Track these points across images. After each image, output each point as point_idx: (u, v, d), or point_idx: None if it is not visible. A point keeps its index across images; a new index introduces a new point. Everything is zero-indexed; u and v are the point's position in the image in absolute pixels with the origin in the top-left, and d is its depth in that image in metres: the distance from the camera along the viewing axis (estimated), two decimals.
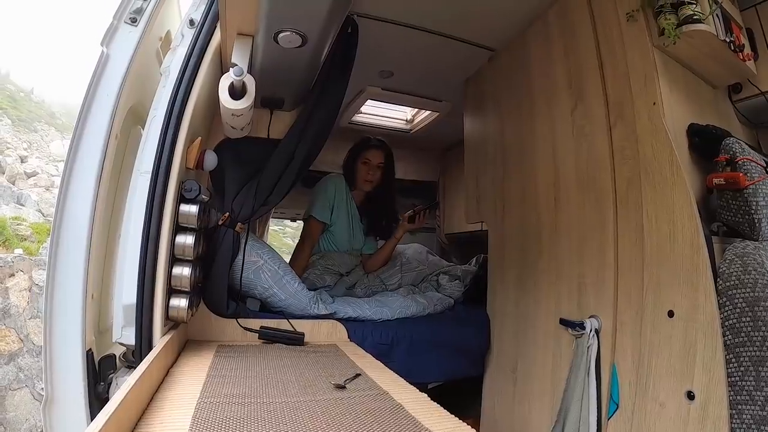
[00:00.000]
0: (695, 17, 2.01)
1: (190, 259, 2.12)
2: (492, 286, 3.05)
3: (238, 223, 2.50)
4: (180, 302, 2.11)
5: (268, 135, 2.55)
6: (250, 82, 2.03)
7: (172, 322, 2.15)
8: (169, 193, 1.98)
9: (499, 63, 3.06)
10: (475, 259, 3.70)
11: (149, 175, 1.95)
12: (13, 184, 26.26)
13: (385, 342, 2.65)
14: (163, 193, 1.96)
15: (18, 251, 12.45)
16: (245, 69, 1.96)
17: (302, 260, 3.21)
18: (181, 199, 2.08)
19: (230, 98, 2.01)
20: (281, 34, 1.88)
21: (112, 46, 2.07)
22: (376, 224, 3.56)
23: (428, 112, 4.30)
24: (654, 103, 1.98)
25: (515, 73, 2.87)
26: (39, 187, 27.10)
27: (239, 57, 1.98)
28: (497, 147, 3.04)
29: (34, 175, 28.59)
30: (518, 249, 2.79)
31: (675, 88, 2.06)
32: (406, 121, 4.66)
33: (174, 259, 2.10)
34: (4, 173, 27.93)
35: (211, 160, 2.34)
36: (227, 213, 2.48)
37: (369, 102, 3.97)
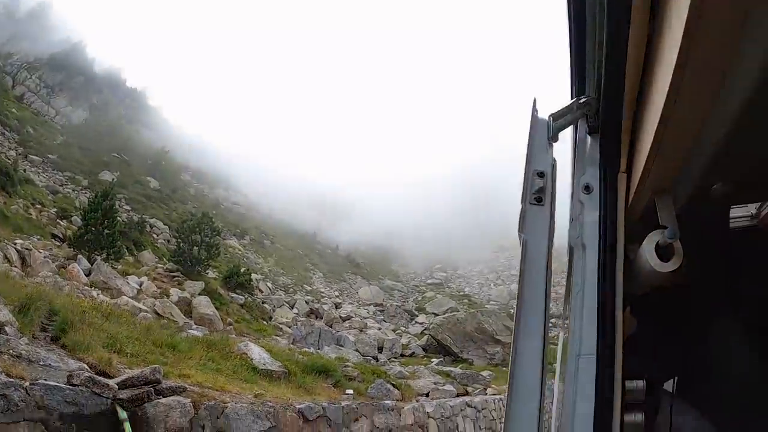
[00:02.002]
0: None
1: None
2: None
3: (658, 383, 2.33)
4: None
5: (672, 281, 2.38)
6: (676, 240, 1.91)
7: None
8: (617, 371, 1.89)
9: None
10: None
11: (593, 357, 1.88)
12: (331, 327, 29.26)
13: None
14: (612, 373, 1.88)
15: (349, 391, 13.52)
16: (676, 228, 1.85)
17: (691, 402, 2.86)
18: (625, 375, 1.99)
19: (660, 261, 1.90)
20: (716, 186, 1.77)
21: (528, 231, 2.10)
22: None
23: None
24: None
25: None
26: (354, 328, 29.85)
27: (666, 217, 1.90)
28: None
29: (348, 319, 31.66)
30: None
31: None
32: (751, 216, 4.13)
33: None
34: (322, 318, 31.32)
35: (632, 324, 2.23)
36: (648, 375, 2.32)
37: None
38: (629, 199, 2.05)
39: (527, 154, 2.19)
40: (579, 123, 2.30)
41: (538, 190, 2.13)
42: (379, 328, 31.43)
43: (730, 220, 4.21)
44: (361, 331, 29.71)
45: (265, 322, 28.38)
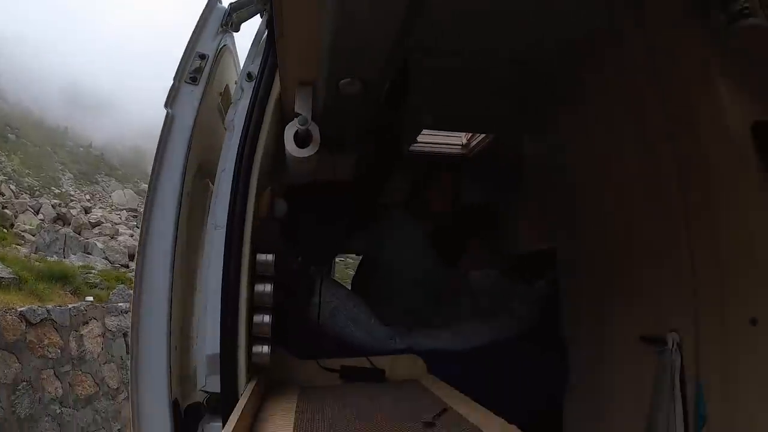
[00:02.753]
0: (745, 11, 1.94)
1: (269, 306, 2.17)
2: (566, 306, 3.00)
3: (313, 266, 2.55)
4: (262, 348, 2.15)
5: (334, 177, 2.59)
6: (315, 130, 2.07)
7: (254, 368, 2.19)
8: (245, 244, 2.03)
9: (554, 81, 3.02)
10: (545, 279, 3.64)
11: (224, 229, 2.01)
12: (79, 234, 27.20)
13: (464, 373, 2.62)
14: (239, 245, 2.02)
15: (89, 298, 12.87)
16: (309, 117, 2.00)
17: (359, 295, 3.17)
18: (256, 248, 2.13)
19: (296, 147, 2.06)
20: (342, 81, 1.92)
21: (176, 107, 2.15)
22: (448, 253, 3.52)
23: (483, 135, 4.27)
24: (715, 105, 1.93)
25: (572, 90, 2.82)
26: (104, 235, 27.95)
27: (302, 106, 2.03)
28: (560, 164, 3.00)
29: (99, 225, 29.51)
30: (590, 267, 2.74)
31: (735, 87, 1.98)
32: (462, 145, 4.62)
33: (254, 307, 2.15)
34: (69, 225, 28.98)
35: (281, 207, 2.40)
36: (302, 257, 2.53)
37: (424, 131, 3.98)
38: (286, 88, 2.16)
39: (192, 35, 2.22)
40: (265, 16, 2.37)
41: (195, 70, 2.19)
42: (131, 235, 29.80)
43: (444, 146, 4.66)
44: (111, 237, 27.98)
45: (5, 230, 25.58)
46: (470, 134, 4.48)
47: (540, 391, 2.85)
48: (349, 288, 3.27)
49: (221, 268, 2.00)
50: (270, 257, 2.14)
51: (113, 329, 11.49)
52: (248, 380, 2.06)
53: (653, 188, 2.27)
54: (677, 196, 2.13)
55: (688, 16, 2.05)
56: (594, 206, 2.67)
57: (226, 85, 2.53)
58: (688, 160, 2.07)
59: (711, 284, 1.98)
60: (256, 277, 2.15)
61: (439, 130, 4.15)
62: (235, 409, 1.67)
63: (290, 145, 2.06)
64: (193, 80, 2.17)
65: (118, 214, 32.79)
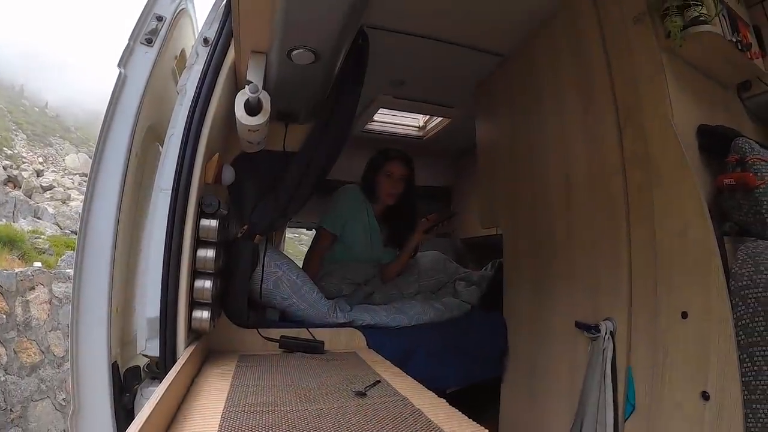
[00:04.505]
0: (701, 19, 2.02)
1: (211, 272, 2.17)
2: (508, 290, 3.07)
3: (257, 235, 2.55)
4: (202, 314, 2.16)
5: (284, 148, 2.59)
6: (265, 99, 2.08)
7: (195, 334, 2.20)
8: (189, 208, 2.03)
9: (509, 68, 3.08)
10: (491, 264, 3.71)
11: (169, 192, 2.00)
12: (30, 198, 26.40)
13: (403, 348, 2.67)
14: (184, 209, 2.02)
15: (37, 264, 12.55)
16: (260, 86, 2.01)
17: (310, 269, 3.19)
18: (201, 213, 2.13)
19: (246, 114, 2.06)
20: (294, 52, 1.92)
21: (129, 67, 2.13)
22: (396, 235, 3.54)
23: (440, 119, 4.33)
24: (663, 106, 2.00)
25: (525, 78, 2.89)
26: (56, 200, 27.26)
27: (254, 74, 2.03)
28: (509, 151, 3.06)
29: (51, 189, 28.76)
30: (533, 253, 2.81)
31: (684, 90, 2.07)
32: (419, 127, 4.70)
33: (195, 272, 2.15)
34: (20, 188, 28.11)
35: (229, 174, 2.39)
36: (246, 225, 2.53)
37: (381, 110, 4.01)
38: (240, 56, 2.16)
39: None
40: None
41: (151, 32, 2.17)
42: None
43: (401, 127, 4.69)
44: (63, 202, 27.31)
45: None
46: (427, 117, 4.55)
47: (477, 367, 2.92)
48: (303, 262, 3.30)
49: (164, 231, 1.99)
50: (213, 222, 2.14)
51: (60, 296, 11.24)
52: (187, 345, 2.06)
53: (597, 179, 2.33)
54: (619, 189, 2.19)
55: (644, 16, 2.11)
56: (538, 193, 2.74)
57: (183, 49, 2.51)
58: (633, 154, 2.14)
59: (646, 276, 2.06)
60: (199, 242, 2.16)
61: (395, 110, 4.19)
62: (170, 372, 1.68)
63: (240, 113, 2.06)
64: (149, 42, 2.15)
65: (71, 179, 31.86)
